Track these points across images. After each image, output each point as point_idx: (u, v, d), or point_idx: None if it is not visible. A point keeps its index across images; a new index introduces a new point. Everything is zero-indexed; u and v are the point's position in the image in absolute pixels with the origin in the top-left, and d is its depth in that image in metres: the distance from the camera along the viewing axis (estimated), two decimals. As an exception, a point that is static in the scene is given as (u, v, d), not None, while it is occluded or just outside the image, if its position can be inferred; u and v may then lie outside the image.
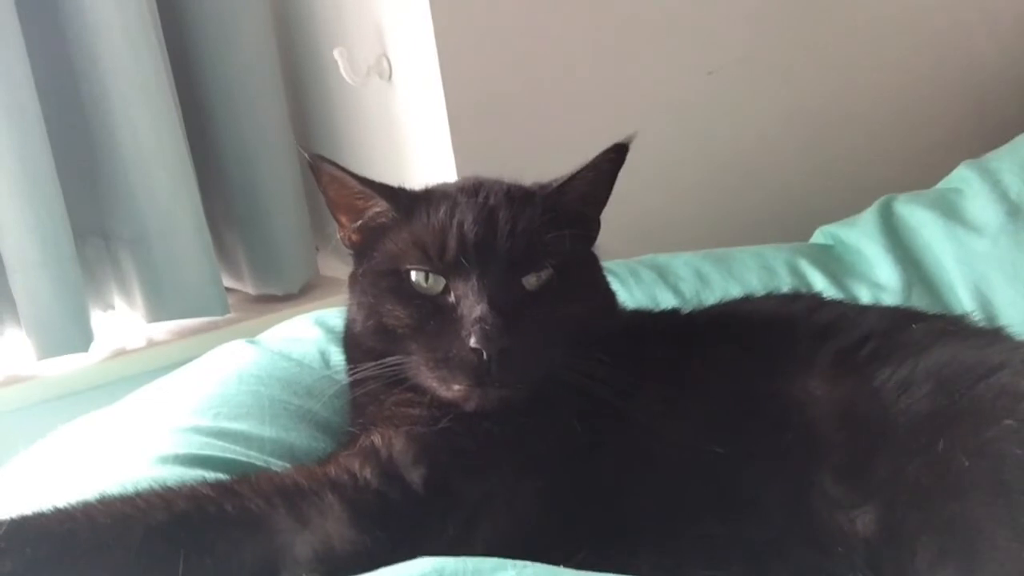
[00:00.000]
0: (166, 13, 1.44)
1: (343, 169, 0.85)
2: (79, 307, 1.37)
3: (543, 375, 0.80)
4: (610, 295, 0.93)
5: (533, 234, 0.81)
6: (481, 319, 0.76)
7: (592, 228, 0.91)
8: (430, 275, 0.81)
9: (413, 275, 0.82)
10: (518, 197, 0.85)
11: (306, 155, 0.86)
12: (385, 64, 1.47)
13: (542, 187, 0.87)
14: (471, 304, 0.78)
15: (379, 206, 0.85)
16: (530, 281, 0.81)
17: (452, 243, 0.80)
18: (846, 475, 0.81)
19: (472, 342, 0.76)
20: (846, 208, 1.45)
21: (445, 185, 0.89)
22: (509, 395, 0.79)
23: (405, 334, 0.81)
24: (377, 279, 0.84)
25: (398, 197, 0.86)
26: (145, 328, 1.49)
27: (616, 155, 0.86)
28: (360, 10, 1.48)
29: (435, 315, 0.80)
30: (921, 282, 1.27)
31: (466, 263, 0.80)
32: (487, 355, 0.76)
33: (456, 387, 0.78)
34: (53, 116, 1.34)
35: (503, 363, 0.77)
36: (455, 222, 0.81)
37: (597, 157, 0.85)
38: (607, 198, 0.90)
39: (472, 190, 0.85)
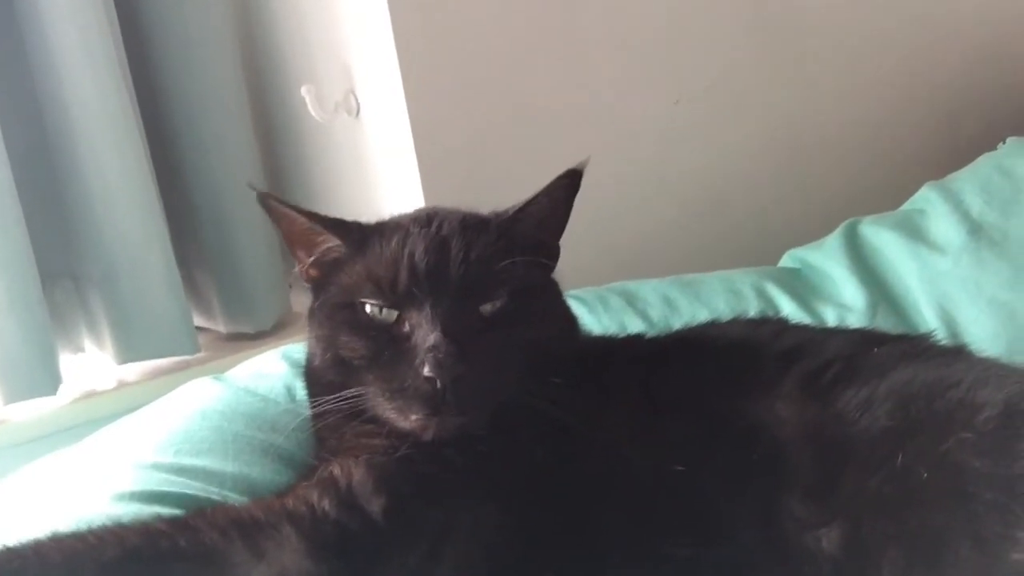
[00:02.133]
0: (133, 52, 1.45)
1: (291, 206, 0.86)
2: (47, 350, 1.36)
3: (501, 401, 0.80)
4: (570, 320, 0.93)
5: (487, 262, 0.82)
6: (434, 348, 0.76)
7: (551, 255, 0.91)
8: (384, 307, 0.81)
9: (368, 307, 0.82)
10: (472, 225, 0.85)
11: (255, 193, 0.86)
12: (353, 100, 1.48)
13: (498, 215, 0.87)
14: (424, 333, 0.78)
15: (330, 241, 0.85)
16: (485, 309, 0.82)
17: (404, 274, 0.81)
18: (812, 495, 0.81)
19: (426, 371, 0.76)
20: (816, 233, 1.46)
21: (400, 217, 0.90)
22: (467, 422, 0.78)
23: (362, 366, 0.81)
24: (333, 312, 0.84)
25: (349, 231, 0.86)
26: (115, 369, 1.48)
27: (570, 180, 0.86)
28: (327, 48, 1.49)
29: (390, 346, 0.80)
30: (886, 301, 1.28)
31: (418, 293, 0.80)
32: (441, 384, 0.76)
33: (413, 417, 0.78)
34: (18, 157, 1.33)
35: (458, 391, 0.77)
36: (406, 252, 0.82)
37: (551, 183, 0.86)
38: (564, 224, 0.90)
39: (425, 220, 0.86)
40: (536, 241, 0.87)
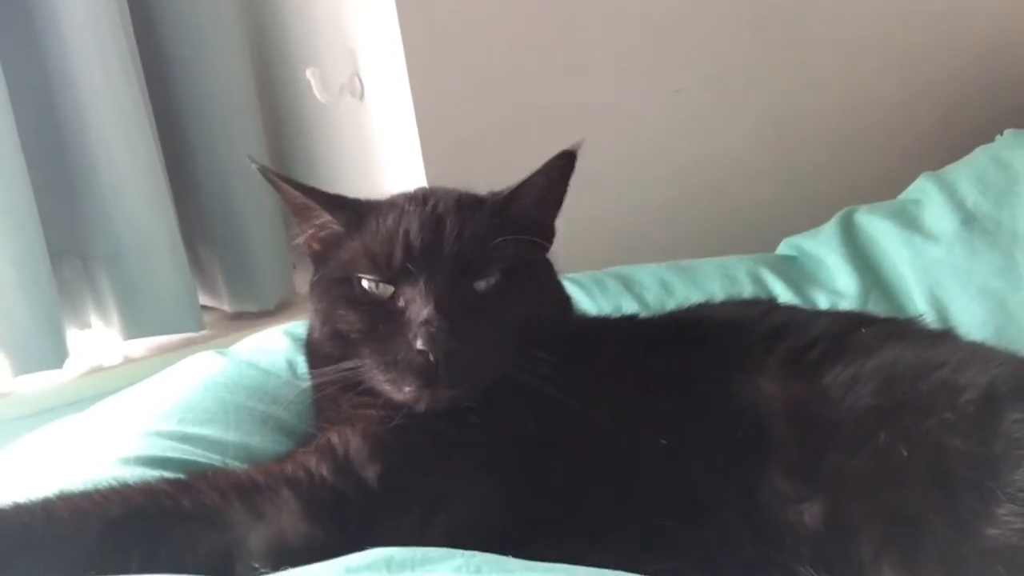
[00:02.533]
0: (142, 33, 1.46)
1: (289, 182, 0.88)
2: (54, 324, 1.38)
3: (493, 376, 0.82)
4: (564, 300, 0.95)
5: (480, 239, 0.83)
6: (427, 322, 0.78)
7: (547, 234, 0.93)
8: (379, 283, 0.83)
9: (364, 282, 0.84)
10: (467, 204, 0.87)
11: (255, 166, 0.89)
12: (357, 83, 1.50)
13: (493, 195, 0.89)
14: (418, 308, 0.80)
15: (325, 217, 0.88)
16: (479, 285, 0.83)
17: (399, 250, 0.83)
18: (795, 470, 0.83)
19: (419, 344, 0.78)
20: (814, 224, 1.47)
21: (396, 195, 0.92)
22: (458, 396, 0.80)
23: (358, 339, 0.83)
24: (330, 287, 0.86)
25: (343, 208, 0.88)
26: (121, 345, 1.51)
27: (565, 161, 0.88)
28: (333, 31, 1.51)
29: (385, 320, 0.82)
30: (879, 289, 1.30)
31: (413, 269, 0.82)
32: (434, 357, 0.78)
33: (407, 389, 0.80)
34: (29, 135, 1.35)
35: (451, 365, 0.79)
36: (402, 229, 0.84)
37: (546, 163, 0.88)
38: (560, 204, 0.92)
39: (421, 199, 0.88)
40: (531, 221, 0.89)
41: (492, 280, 0.84)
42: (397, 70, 1.42)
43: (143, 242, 1.44)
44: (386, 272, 0.83)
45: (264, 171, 0.88)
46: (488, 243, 0.83)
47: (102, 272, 1.46)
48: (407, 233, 0.83)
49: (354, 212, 0.87)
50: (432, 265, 0.82)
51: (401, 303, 0.82)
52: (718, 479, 0.84)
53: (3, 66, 1.31)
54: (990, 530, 0.74)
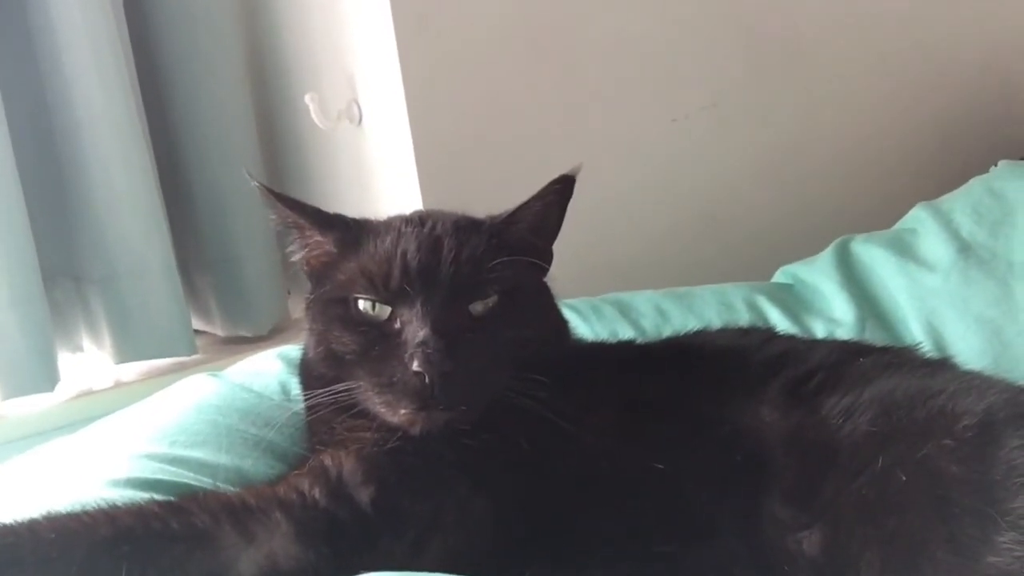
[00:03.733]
0: (141, 56, 1.48)
1: (286, 200, 0.88)
2: (46, 347, 1.37)
3: (489, 398, 0.81)
4: (561, 322, 0.94)
5: (477, 261, 0.83)
6: (423, 343, 0.78)
7: (544, 258, 0.92)
8: (376, 303, 0.83)
9: (360, 303, 0.84)
10: (465, 227, 0.87)
11: (254, 183, 0.88)
12: (355, 109, 1.50)
13: (491, 218, 0.89)
14: (415, 329, 0.80)
15: (321, 236, 0.88)
16: (476, 308, 0.83)
17: (396, 271, 0.82)
18: (794, 498, 0.82)
19: (415, 366, 0.78)
20: (811, 253, 1.48)
21: (393, 217, 0.92)
22: (454, 418, 0.80)
23: (353, 360, 0.83)
24: (326, 307, 0.86)
25: (338, 229, 0.87)
26: (113, 369, 1.50)
27: (562, 186, 0.88)
28: (332, 57, 1.52)
29: (381, 341, 0.82)
30: (875, 317, 1.30)
31: (410, 290, 0.82)
32: (429, 379, 0.77)
33: (402, 411, 0.79)
34: (24, 156, 1.35)
35: (446, 386, 0.78)
36: (400, 251, 0.83)
37: (544, 188, 0.88)
38: (558, 228, 0.92)
39: (419, 221, 0.88)
40: (529, 244, 0.88)
41: (489, 302, 0.84)
42: (395, 97, 1.42)
43: (137, 265, 1.44)
44: (383, 293, 0.83)
45: (262, 188, 0.88)
46: (485, 265, 0.83)
47: (95, 294, 1.46)
48: (405, 254, 0.83)
49: (349, 233, 0.87)
50: (429, 286, 0.82)
51: (397, 324, 0.82)
52: (716, 506, 0.83)
53: (0, 87, 1.31)
54: (991, 558, 0.73)
